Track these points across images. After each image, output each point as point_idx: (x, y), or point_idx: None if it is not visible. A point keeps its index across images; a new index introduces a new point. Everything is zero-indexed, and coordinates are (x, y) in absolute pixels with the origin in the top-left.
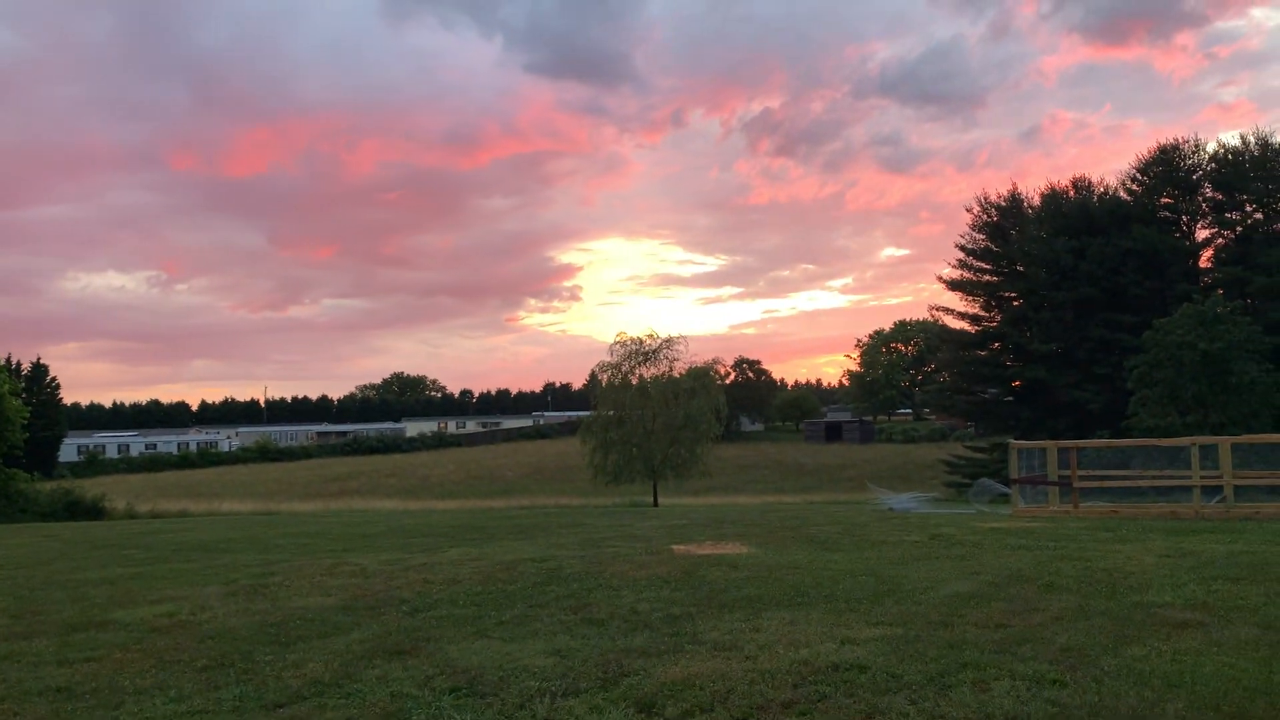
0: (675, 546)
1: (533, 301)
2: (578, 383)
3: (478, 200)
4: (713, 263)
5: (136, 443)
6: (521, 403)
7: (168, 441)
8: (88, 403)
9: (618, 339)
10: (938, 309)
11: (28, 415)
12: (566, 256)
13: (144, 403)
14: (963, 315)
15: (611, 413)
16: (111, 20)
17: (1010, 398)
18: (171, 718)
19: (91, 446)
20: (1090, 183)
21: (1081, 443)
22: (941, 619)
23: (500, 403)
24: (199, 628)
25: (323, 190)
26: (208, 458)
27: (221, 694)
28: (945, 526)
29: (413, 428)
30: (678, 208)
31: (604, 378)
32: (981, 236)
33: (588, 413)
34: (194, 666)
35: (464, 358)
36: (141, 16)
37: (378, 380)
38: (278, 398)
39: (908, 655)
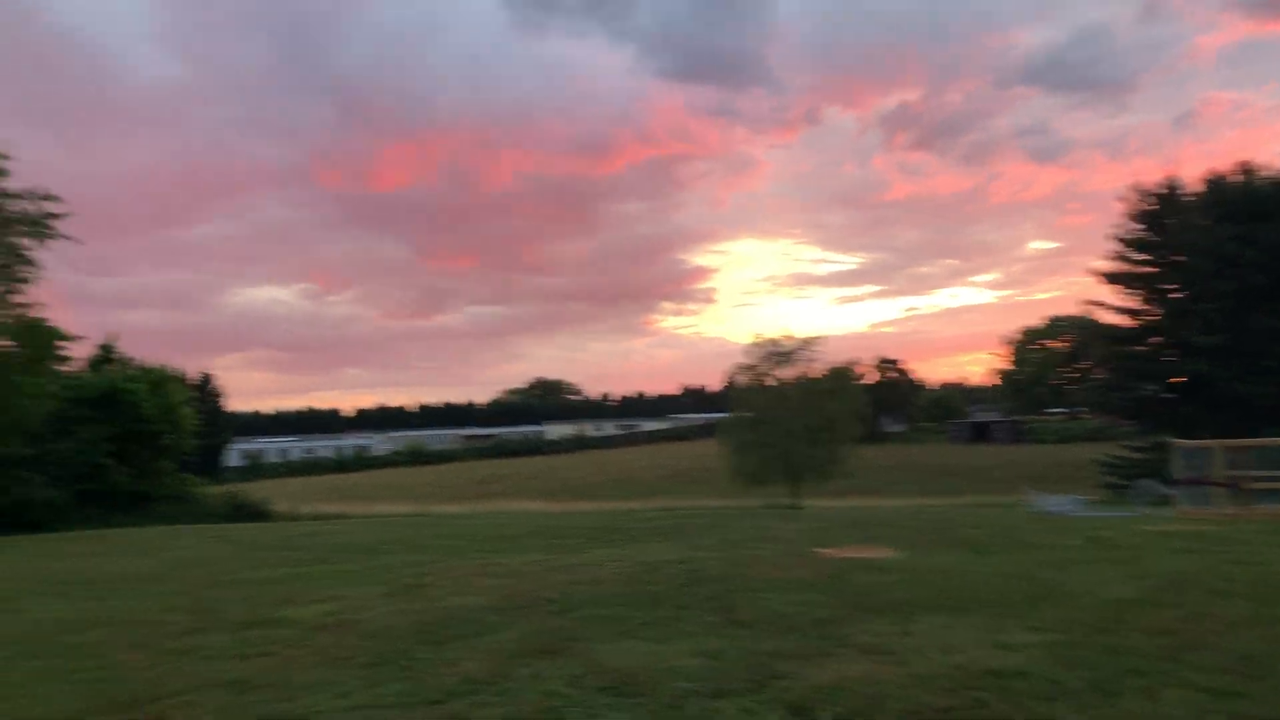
0: (819, 549)
1: (667, 304)
2: (714, 384)
3: (611, 206)
4: (850, 261)
5: (295, 448)
6: (658, 405)
7: (324, 446)
8: (249, 410)
9: (754, 340)
10: (1091, 303)
11: (198, 423)
12: (700, 259)
13: (301, 409)
14: (1118, 309)
15: (749, 414)
16: (264, 44)
17: (1170, 394)
18: (339, 712)
19: (254, 452)
20: (1255, 166)
21: (1253, 441)
22: (1103, 624)
23: (637, 405)
24: (360, 626)
25: (463, 201)
26: (361, 461)
27: (384, 690)
28: (1104, 529)
29: (553, 431)
30: (812, 206)
31: (741, 379)
32: (1138, 226)
33: (724, 414)
34: (357, 663)
35: (601, 361)
36: (291, 39)
37: (520, 385)
38: (425, 403)
39: (1069, 661)
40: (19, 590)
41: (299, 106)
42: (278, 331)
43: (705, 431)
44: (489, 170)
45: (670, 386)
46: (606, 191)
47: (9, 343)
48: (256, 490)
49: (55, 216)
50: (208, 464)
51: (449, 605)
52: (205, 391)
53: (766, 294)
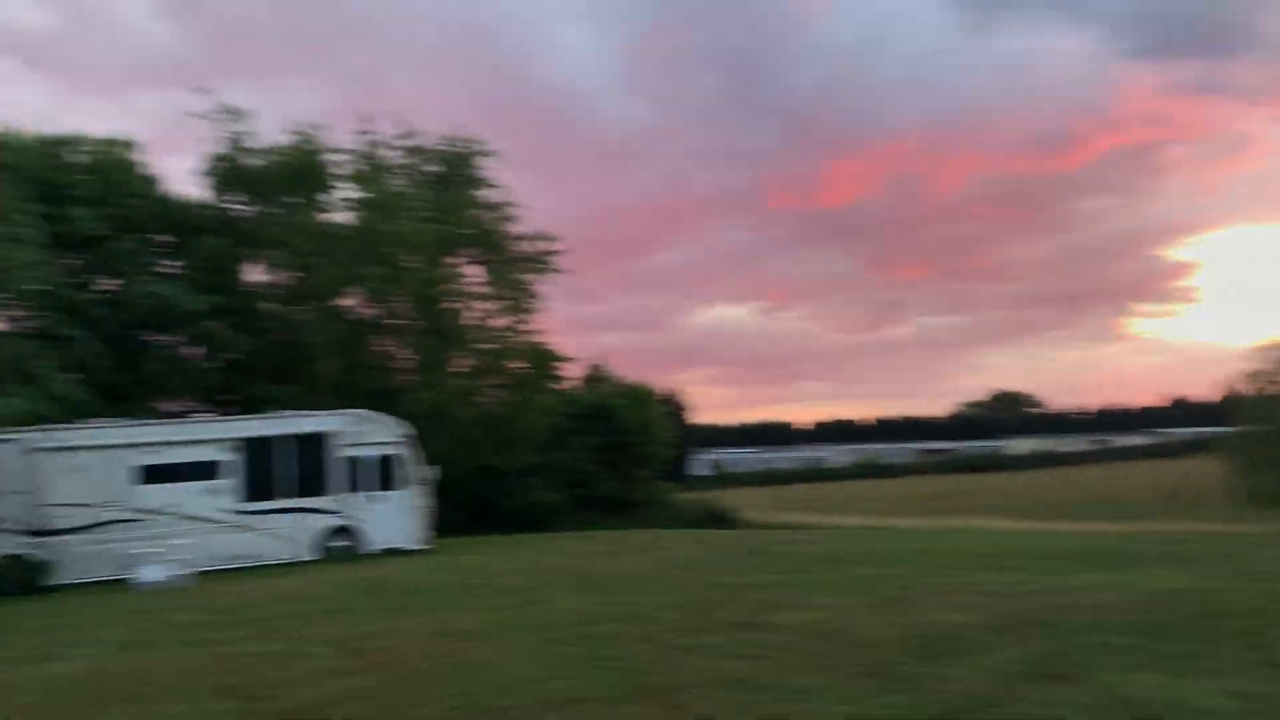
0: None
1: (1143, 306)
2: (1202, 393)
3: (1075, 202)
4: None
5: (753, 458)
6: (1134, 418)
7: (781, 458)
8: (709, 422)
9: (1263, 343)
10: None
11: (670, 435)
12: (1182, 253)
13: (757, 422)
14: None
15: (1259, 428)
16: (719, 77)
17: None
18: (842, 718)
19: (716, 462)
20: None
21: None
22: None
23: (1109, 418)
24: (847, 635)
25: (912, 211)
26: (818, 473)
27: (884, 701)
28: None
29: (1015, 445)
30: None
31: (1246, 388)
32: None
33: (1219, 428)
34: (848, 672)
35: (1068, 371)
36: (743, 69)
37: (976, 397)
38: (880, 415)
39: None
40: (543, 583)
41: (751, 132)
42: (734, 348)
43: (1194, 447)
44: (939, 176)
45: (1149, 397)
46: (1069, 188)
47: (522, 365)
48: (722, 498)
49: (553, 254)
50: (677, 473)
51: (935, 621)
52: (673, 405)
53: (1271, 289)
